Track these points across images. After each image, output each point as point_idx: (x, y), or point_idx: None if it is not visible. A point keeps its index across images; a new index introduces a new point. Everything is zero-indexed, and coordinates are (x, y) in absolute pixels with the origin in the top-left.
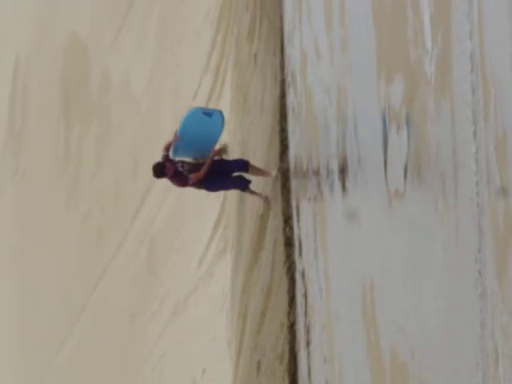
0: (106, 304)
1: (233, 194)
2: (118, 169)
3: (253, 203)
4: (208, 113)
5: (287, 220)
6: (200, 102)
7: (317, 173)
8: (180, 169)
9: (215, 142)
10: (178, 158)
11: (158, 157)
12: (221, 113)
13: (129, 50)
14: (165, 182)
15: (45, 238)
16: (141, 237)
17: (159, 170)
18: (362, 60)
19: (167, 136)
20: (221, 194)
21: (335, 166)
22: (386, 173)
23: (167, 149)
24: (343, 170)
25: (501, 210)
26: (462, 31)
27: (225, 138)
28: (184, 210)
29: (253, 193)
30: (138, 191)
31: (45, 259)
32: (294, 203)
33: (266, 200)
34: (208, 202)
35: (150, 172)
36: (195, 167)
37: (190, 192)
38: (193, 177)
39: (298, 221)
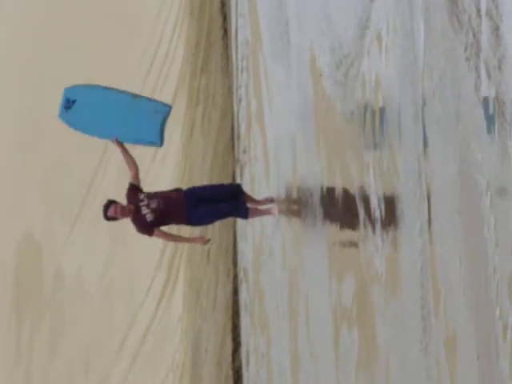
0: None
1: None
2: (70, 367)
3: None
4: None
5: None
6: (153, 298)
7: (270, 371)
8: (144, 211)
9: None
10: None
11: (108, 358)
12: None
13: (81, 247)
14: (119, 380)
15: None
16: None
17: (106, 211)
18: (313, 258)
19: (120, 334)
20: None
21: (287, 364)
22: (337, 371)
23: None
24: (295, 368)
25: None
26: (413, 229)
27: (177, 338)
28: None
29: (260, 213)
30: None
31: None
32: None
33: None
34: None
35: (103, 369)
36: (167, 206)
37: None
38: (158, 233)
39: None
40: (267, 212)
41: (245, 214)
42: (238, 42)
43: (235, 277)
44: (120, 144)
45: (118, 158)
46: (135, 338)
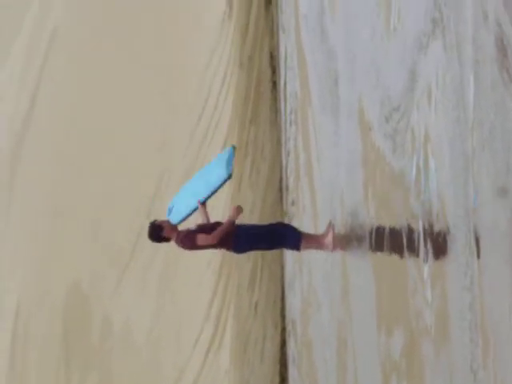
0: None
1: None
2: None
3: None
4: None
5: None
6: (200, 351)
7: None
8: (188, 227)
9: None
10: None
11: None
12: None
13: (130, 297)
14: None
15: None
16: None
17: (155, 233)
18: (362, 311)
19: None
20: None
21: None
22: None
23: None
24: None
25: None
26: (462, 282)
27: None
28: None
29: (311, 246)
30: None
31: None
32: None
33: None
34: None
35: None
36: (209, 226)
37: None
38: (201, 238)
39: None
40: (321, 243)
41: (296, 243)
42: (287, 94)
43: (283, 329)
44: (202, 205)
45: (166, 207)
46: None
